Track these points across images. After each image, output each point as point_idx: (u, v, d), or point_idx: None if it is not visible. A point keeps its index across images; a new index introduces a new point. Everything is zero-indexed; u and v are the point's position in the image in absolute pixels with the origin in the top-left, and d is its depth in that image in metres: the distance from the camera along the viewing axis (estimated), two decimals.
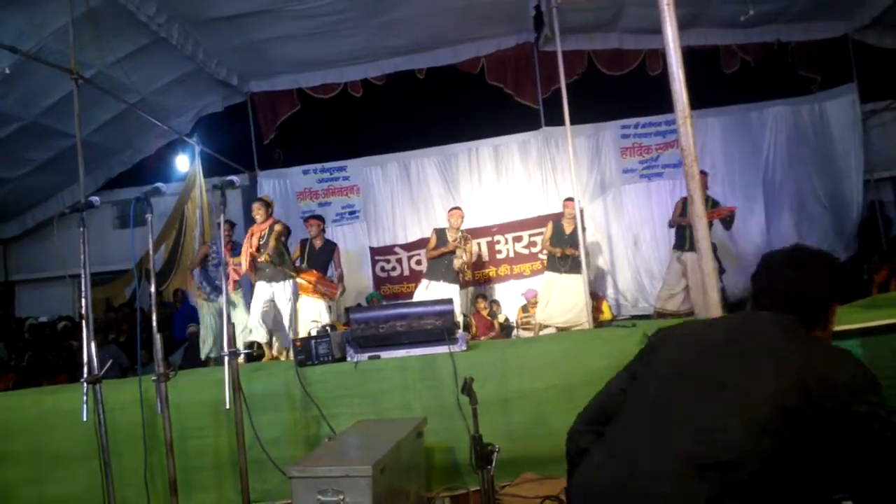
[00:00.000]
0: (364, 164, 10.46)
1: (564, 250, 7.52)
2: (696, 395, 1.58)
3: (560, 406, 3.43)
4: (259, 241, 6.35)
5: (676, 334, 1.82)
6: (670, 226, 7.60)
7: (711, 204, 7.05)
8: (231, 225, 7.31)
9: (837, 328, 3.25)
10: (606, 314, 8.61)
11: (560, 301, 7.64)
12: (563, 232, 7.68)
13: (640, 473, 1.50)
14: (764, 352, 1.60)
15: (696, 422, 1.51)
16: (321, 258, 7.13)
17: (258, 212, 6.49)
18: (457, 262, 7.49)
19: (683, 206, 7.17)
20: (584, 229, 6.63)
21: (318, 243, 7.21)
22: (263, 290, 6.35)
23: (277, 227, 6.43)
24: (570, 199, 7.67)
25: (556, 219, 7.92)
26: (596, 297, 8.57)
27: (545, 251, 8.07)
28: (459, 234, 7.65)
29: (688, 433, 1.50)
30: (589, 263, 7.66)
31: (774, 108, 9.89)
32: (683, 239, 7.16)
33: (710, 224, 6.91)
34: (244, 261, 6.37)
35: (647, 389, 1.70)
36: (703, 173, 7.23)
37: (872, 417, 1.45)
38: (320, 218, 7.48)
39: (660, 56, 8.98)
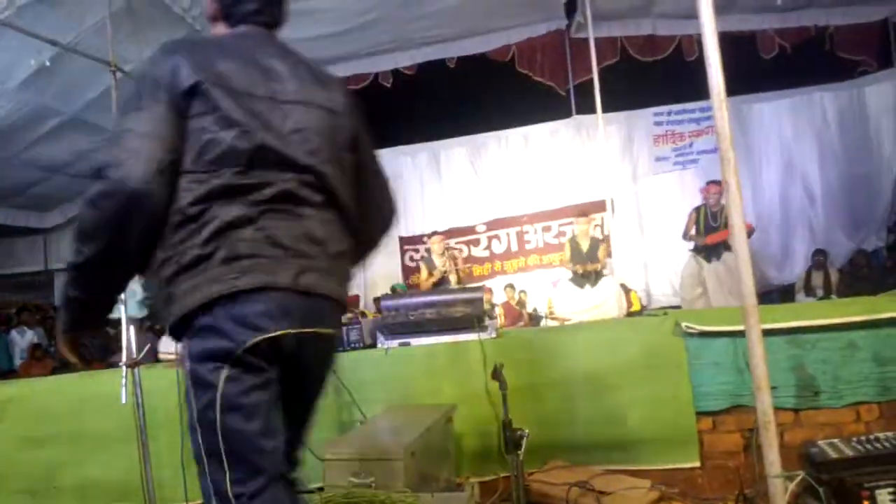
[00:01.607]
0: (394, 153, 10.48)
1: (585, 267, 7.34)
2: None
3: (590, 394, 3.44)
4: None
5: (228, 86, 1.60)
6: (684, 238, 7.54)
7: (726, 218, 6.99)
8: None
9: (874, 317, 3.21)
10: (636, 305, 8.54)
11: (581, 303, 7.62)
12: (580, 249, 7.48)
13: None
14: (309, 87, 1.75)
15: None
16: None
17: None
18: (453, 279, 7.75)
19: (698, 218, 7.11)
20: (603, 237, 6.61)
21: None
22: None
23: None
24: (583, 216, 7.60)
25: (572, 236, 7.84)
26: (625, 288, 8.52)
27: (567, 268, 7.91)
28: (445, 255, 7.88)
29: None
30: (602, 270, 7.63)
31: (812, 94, 9.69)
32: (699, 251, 7.10)
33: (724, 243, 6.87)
34: None
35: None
36: (719, 184, 7.20)
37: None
38: None
39: (694, 41, 8.82)
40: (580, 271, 7.42)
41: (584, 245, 7.50)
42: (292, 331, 1.60)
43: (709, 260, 6.98)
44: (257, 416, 1.58)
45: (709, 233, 7.05)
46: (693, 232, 7.21)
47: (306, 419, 1.83)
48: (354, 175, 1.83)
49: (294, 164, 1.63)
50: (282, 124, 1.64)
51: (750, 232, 6.90)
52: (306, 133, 1.68)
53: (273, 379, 1.62)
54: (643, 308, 8.51)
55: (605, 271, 7.57)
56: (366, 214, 1.87)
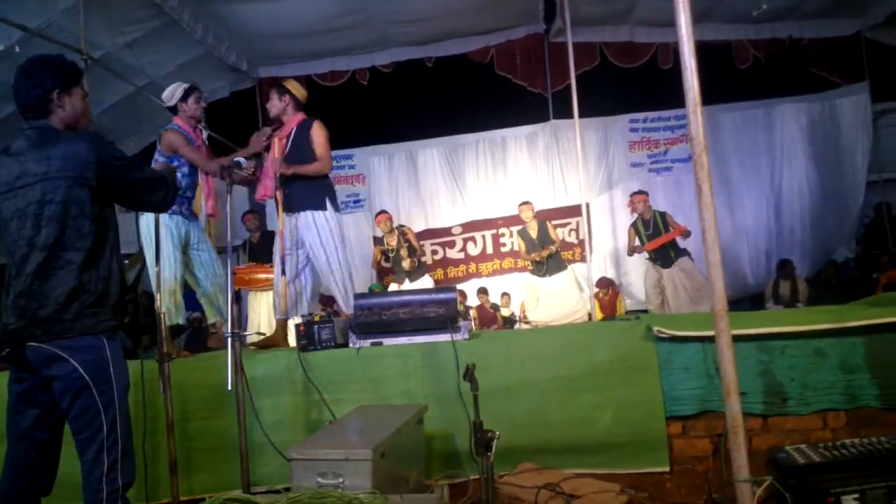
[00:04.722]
0: (370, 152, 10.43)
1: (540, 253, 7.64)
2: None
3: (561, 397, 3.43)
4: (284, 150, 4.26)
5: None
6: (629, 254, 7.67)
7: (660, 218, 7.04)
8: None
9: (841, 325, 3.26)
10: (620, 310, 8.55)
11: (549, 302, 7.68)
12: (531, 237, 7.83)
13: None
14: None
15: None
16: (263, 253, 6.71)
17: (273, 103, 4.33)
18: (406, 263, 7.69)
19: (637, 232, 7.22)
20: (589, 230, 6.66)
21: (256, 238, 7.09)
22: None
23: (320, 128, 4.24)
24: (525, 203, 7.99)
25: (521, 227, 8.12)
26: (612, 284, 8.64)
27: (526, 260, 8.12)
28: (395, 232, 7.91)
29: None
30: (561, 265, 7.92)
31: (784, 105, 9.84)
32: (654, 259, 7.19)
33: (668, 245, 6.92)
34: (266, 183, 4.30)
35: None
36: (642, 193, 7.29)
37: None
38: (255, 212, 7.31)
39: (671, 49, 8.92)
40: (537, 258, 7.67)
41: (534, 231, 7.80)
42: None
43: (665, 266, 7.06)
44: None
45: (649, 240, 7.15)
46: (636, 243, 7.28)
47: None
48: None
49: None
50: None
51: (686, 234, 7.07)
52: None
53: None
54: (626, 312, 8.56)
55: (561, 253, 8.03)
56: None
